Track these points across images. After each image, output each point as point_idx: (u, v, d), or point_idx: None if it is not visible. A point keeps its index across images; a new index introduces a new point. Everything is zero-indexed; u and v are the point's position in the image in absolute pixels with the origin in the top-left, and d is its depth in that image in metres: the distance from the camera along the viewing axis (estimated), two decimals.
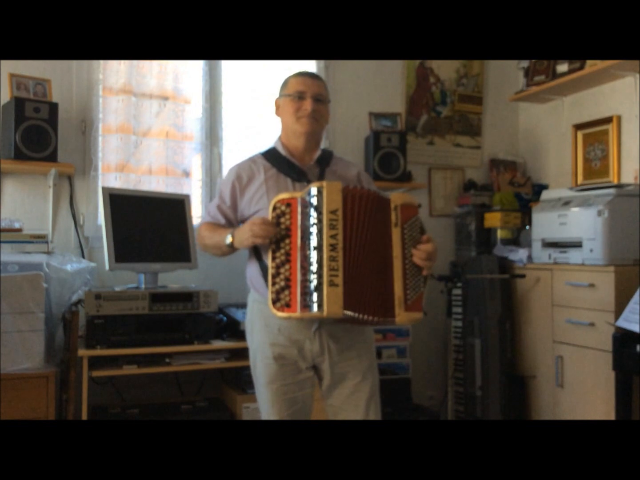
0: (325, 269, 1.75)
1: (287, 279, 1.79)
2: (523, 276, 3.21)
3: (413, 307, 1.83)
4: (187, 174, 3.23)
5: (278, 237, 1.82)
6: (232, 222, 2.06)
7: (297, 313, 1.78)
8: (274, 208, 1.85)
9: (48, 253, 2.63)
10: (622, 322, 2.52)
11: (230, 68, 3.36)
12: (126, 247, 2.70)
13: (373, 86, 3.67)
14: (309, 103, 1.99)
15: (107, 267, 2.64)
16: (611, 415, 2.62)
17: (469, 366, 3.34)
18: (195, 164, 3.29)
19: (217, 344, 2.73)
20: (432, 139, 3.83)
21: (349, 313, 1.76)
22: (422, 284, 1.87)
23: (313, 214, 1.79)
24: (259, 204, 1.98)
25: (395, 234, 1.84)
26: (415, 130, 3.77)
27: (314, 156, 2.06)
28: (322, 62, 3.50)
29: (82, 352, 2.51)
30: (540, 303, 3.12)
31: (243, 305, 3.01)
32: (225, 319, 2.86)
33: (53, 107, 2.81)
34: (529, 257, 3.23)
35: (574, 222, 2.94)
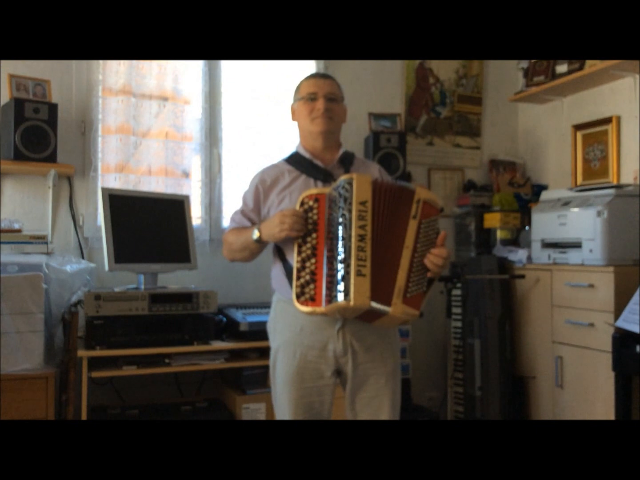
0: (353, 259, 1.74)
1: (313, 273, 1.79)
2: (522, 277, 3.21)
3: (411, 302, 1.79)
4: (186, 174, 3.23)
5: (305, 232, 1.83)
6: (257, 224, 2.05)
7: (322, 307, 1.77)
8: (302, 203, 1.86)
9: (47, 254, 2.63)
10: (622, 323, 2.52)
11: (229, 68, 3.36)
12: (126, 248, 2.70)
13: (373, 86, 3.67)
14: (322, 102, 2.01)
15: (106, 267, 2.64)
16: (611, 416, 2.61)
17: (468, 367, 3.33)
18: (195, 164, 3.29)
19: (217, 345, 2.73)
20: (431, 139, 3.83)
21: (376, 305, 1.74)
22: (426, 283, 1.83)
23: (342, 205, 1.80)
24: (282, 205, 1.98)
25: (412, 226, 1.83)
26: (415, 131, 3.77)
27: (335, 156, 2.06)
28: (322, 62, 3.50)
29: (82, 352, 2.51)
30: (540, 303, 3.12)
31: (242, 306, 3.02)
32: (224, 319, 2.86)
33: (52, 108, 2.81)
34: (529, 258, 3.23)
35: (573, 223, 2.94)
